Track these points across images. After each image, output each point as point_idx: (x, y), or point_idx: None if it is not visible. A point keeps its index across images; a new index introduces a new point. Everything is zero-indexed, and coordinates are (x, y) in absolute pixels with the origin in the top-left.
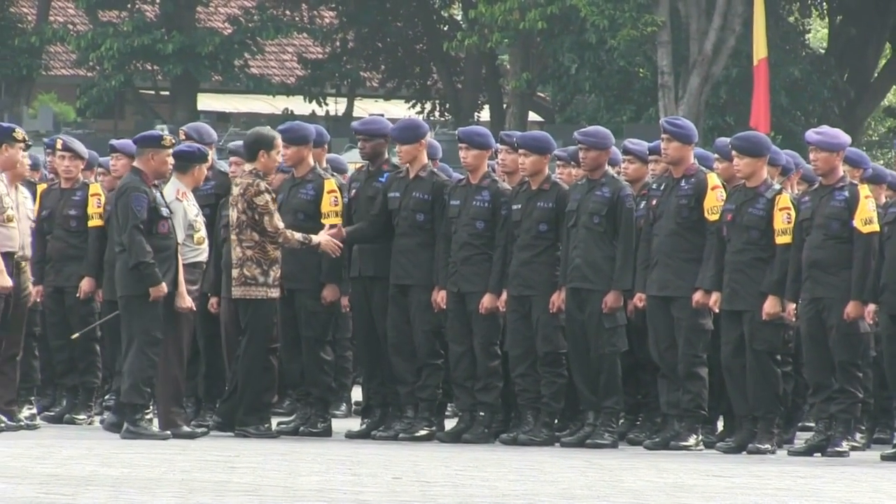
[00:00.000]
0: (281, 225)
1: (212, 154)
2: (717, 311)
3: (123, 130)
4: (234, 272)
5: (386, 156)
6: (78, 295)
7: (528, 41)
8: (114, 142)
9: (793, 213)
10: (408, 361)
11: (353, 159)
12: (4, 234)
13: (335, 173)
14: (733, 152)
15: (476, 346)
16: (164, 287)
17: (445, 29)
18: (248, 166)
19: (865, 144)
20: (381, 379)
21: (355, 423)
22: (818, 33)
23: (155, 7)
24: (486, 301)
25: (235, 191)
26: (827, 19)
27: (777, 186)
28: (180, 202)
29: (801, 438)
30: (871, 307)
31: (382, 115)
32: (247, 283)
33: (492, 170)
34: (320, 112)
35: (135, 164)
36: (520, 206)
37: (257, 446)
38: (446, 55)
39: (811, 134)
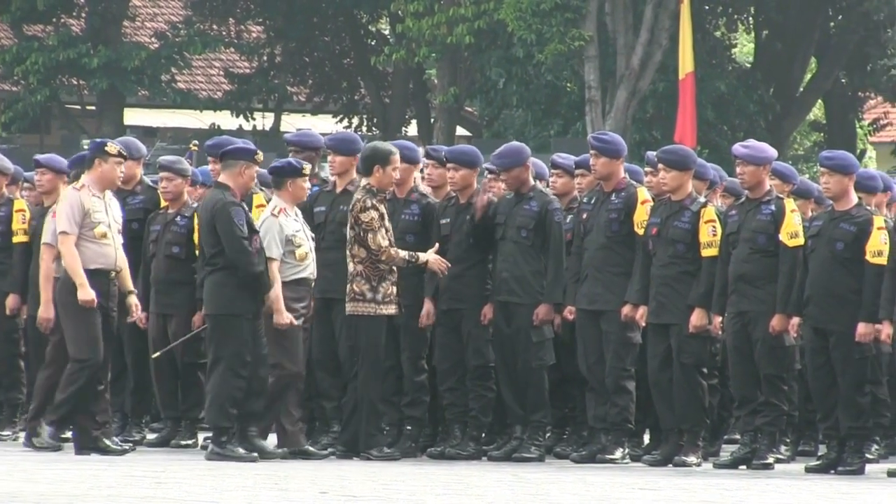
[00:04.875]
0: (385, 243)
1: (139, 169)
2: (643, 324)
3: (49, 145)
4: (347, 288)
5: (316, 169)
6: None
7: (456, 56)
8: (39, 157)
9: (718, 225)
10: (333, 377)
11: None
12: (96, 250)
13: (263, 188)
14: (659, 165)
15: (403, 360)
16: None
17: (373, 43)
18: (363, 181)
19: (791, 158)
20: (307, 394)
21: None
22: (744, 48)
23: (81, 21)
24: (424, 314)
25: (352, 207)
26: (753, 34)
27: (702, 199)
28: (276, 218)
29: (727, 451)
30: (796, 320)
31: (311, 129)
32: (355, 300)
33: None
34: (247, 127)
35: (221, 178)
36: (448, 219)
37: (184, 461)
38: (374, 69)
39: (738, 148)
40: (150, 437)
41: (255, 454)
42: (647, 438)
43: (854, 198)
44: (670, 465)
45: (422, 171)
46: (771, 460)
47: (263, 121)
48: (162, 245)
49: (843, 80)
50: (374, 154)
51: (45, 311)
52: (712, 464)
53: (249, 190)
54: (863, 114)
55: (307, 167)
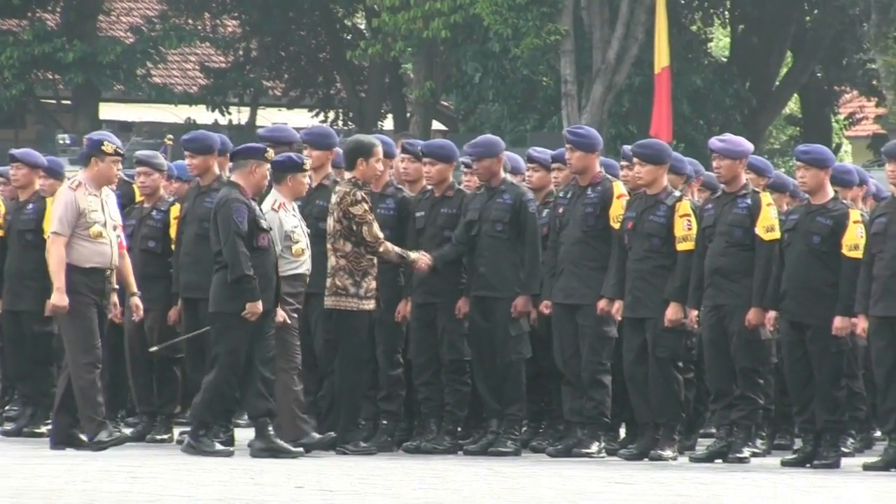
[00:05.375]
0: (381, 235)
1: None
2: (619, 319)
3: (24, 140)
4: (328, 282)
5: None
6: None
7: (432, 50)
8: (14, 151)
9: (693, 219)
10: (309, 371)
11: None
12: (92, 249)
13: None
14: (635, 159)
15: (379, 354)
16: (259, 305)
17: (349, 38)
18: (346, 174)
19: (767, 152)
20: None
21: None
22: (720, 42)
23: (56, 16)
24: (402, 308)
25: (333, 199)
26: (729, 28)
27: (677, 193)
28: (276, 213)
29: (703, 445)
30: (772, 314)
31: (286, 124)
32: (338, 294)
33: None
34: (223, 121)
35: (233, 178)
36: (423, 213)
37: (160, 455)
38: (349, 64)
39: (715, 141)
40: (126, 431)
41: (231, 449)
42: (622, 432)
43: (830, 192)
44: (646, 459)
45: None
46: (747, 454)
47: (239, 115)
48: (138, 239)
49: (818, 75)
50: (357, 147)
51: (59, 298)
52: (688, 457)
53: (262, 189)
54: (838, 108)
55: (308, 161)
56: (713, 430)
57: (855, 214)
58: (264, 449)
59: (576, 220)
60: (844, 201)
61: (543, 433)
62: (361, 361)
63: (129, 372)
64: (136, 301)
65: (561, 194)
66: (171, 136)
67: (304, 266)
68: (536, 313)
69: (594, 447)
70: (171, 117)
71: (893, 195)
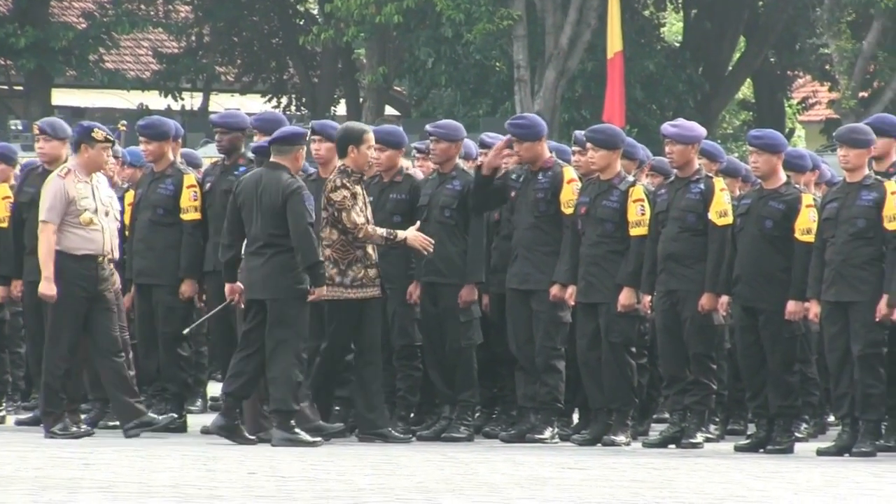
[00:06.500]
0: (360, 220)
1: (65, 150)
2: (572, 304)
3: None
4: None
5: (242, 150)
6: None
7: (385, 35)
8: None
9: (646, 205)
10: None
11: (209, 154)
12: (83, 236)
13: (191, 168)
14: (588, 144)
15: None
16: (325, 290)
17: (301, 23)
18: (338, 162)
19: (720, 137)
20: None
21: (211, 419)
22: (673, 27)
23: (7, 1)
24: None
25: (324, 187)
26: (682, 13)
27: (631, 179)
28: None
29: (656, 430)
30: (725, 299)
31: (239, 110)
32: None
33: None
34: (176, 107)
35: (277, 159)
36: (372, 198)
37: (112, 442)
38: (302, 49)
39: (667, 127)
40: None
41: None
42: (576, 418)
43: (783, 176)
44: (599, 445)
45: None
46: (700, 439)
47: (192, 101)
48: None
49: (771, 59)
50: (347, 134)
51: (47, 287)
52: (641, 443)
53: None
54: (791, 93)
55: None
56: (666, 416)
57: (807, 199)
58: (287, 439)
59: (527, 206)
60: (797, 186)
61: (497, 419)
62: (346, 350)
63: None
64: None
65: (513, 178)
66: (124, 122)
67: None
68: (488, 299)
69: (547, 433)
70: (123, 103)
71: (846, 180)
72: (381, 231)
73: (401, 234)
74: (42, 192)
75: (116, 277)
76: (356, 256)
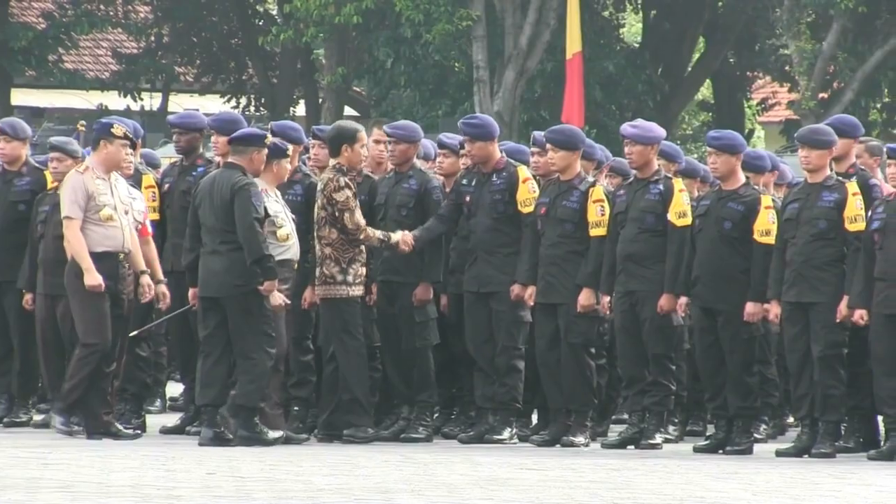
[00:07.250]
0: (362, 222)
1: (25, 150)
2: (532, 304)
3: None
4: (316, 271)
5: (200, 150)
6: None
7: (344, 35)
8: None
9: (606, 205)
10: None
11: (167, 154)
12: (103, 233)
13: (150, 168)
14: (548, 145)
15: (289, 341)
16: (276, 284)
17: (260, 23)
18: (331, 161)
19: (680, 138)
20: (194, 375)
21: (170, 419)
22: (633, 28)
23: None
24: (308, 295)
25: (319, 186)
26: (641, 14)
27: (590, 179)
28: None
29: (615, 431)
30: (684, 300)
31: (198, 110)
32: (326, 283)
33: (302, 163)
34: (135, 107)
35: (234, 159)
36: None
37: (70, 442)
38: (261, 50)
39: (626, 127)
40: (37, 418)
41: (282, 435)
42: (535, 418)
43: (742, 177)
44: (558, 446)
45: (305, 151)
46: (659, 440)
47: (151, 101)
48: (51, 225)
49: (731, 60)
50: (340, 133)
51: (92, 278)
52: (600, 444)
53: (258, 175)
54: (751, 93)
55: (290, 148)
56: (625, 417)
57: (766, 200)
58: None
59: (485, 208)
60: (756, 187)
61: (455, 419)
62: (357, 348)
63: (40, 358)
64: (147, 280)
65: (464, 182)
66: (83, 123)
67: (291, 251)
68: (447, 299)
69: (506, 433)
70: (83, 103)
71: (807, 181)
72: (378, 233)
73: (394, 236)
74: (61, 190)
75: (131, 279)
76: (355, 255)
